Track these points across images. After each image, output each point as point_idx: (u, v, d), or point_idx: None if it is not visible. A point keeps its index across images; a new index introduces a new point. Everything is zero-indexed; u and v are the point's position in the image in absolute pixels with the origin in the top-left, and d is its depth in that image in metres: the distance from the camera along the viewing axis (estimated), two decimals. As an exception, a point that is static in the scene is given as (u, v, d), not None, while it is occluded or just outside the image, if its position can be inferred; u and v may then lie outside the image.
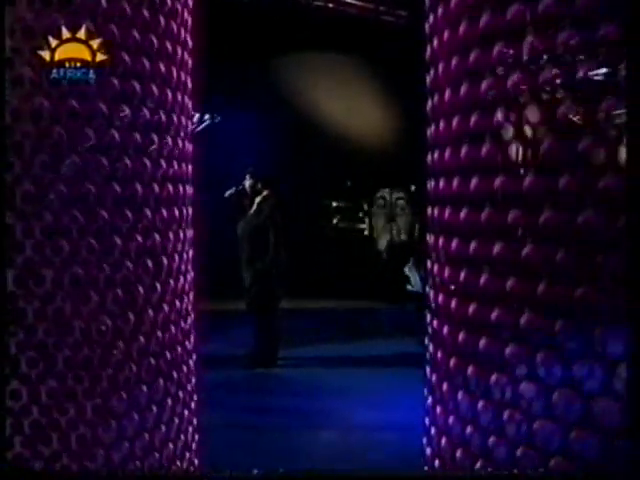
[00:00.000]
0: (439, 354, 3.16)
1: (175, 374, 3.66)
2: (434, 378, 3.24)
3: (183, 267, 3.66)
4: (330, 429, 6.70)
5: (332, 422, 6.90)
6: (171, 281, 3.55)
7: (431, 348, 3.28)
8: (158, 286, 3.47)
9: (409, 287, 11.23)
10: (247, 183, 8.37)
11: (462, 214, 2.84)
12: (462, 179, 2.86)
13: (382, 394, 7.54)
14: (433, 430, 3.27)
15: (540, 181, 2.54)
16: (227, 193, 8.55)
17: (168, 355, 3.58)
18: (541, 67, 2.54)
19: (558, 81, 2.51)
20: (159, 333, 3.49)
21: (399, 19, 12.70)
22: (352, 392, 7.76)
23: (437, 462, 3.23)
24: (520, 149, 2.66)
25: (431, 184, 3.12)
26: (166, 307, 3.54)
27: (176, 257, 3.55)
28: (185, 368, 3.78)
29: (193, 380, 3.92)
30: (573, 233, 2.44)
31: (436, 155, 3.06)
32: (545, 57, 2.53)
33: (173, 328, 3.63)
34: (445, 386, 3.11)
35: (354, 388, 7.92)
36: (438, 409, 3.20)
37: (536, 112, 2.58)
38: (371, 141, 13.02)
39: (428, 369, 3.34)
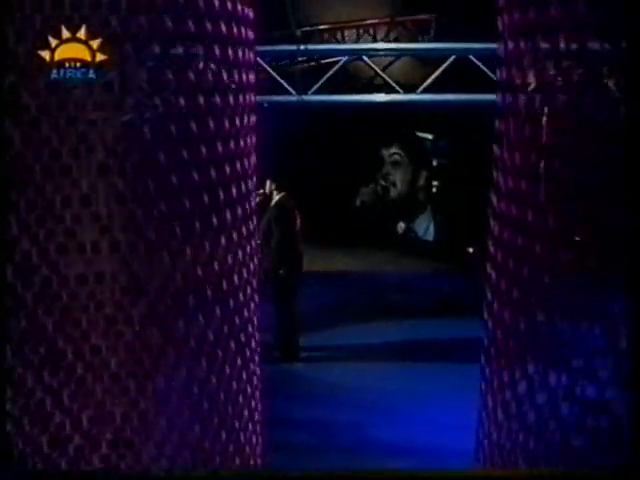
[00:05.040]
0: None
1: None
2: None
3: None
4: (352, 453, 5.28)
5: (356, 443, 5.52)
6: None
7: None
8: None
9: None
10: (267, 187, 8.59)
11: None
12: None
13: (423, 403, 6.11)
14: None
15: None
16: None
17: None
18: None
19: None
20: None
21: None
22: (384, 400, 6.26)
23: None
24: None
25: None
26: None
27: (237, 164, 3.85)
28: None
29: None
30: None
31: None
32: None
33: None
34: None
35: (387, 394, 6.41)
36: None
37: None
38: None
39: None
